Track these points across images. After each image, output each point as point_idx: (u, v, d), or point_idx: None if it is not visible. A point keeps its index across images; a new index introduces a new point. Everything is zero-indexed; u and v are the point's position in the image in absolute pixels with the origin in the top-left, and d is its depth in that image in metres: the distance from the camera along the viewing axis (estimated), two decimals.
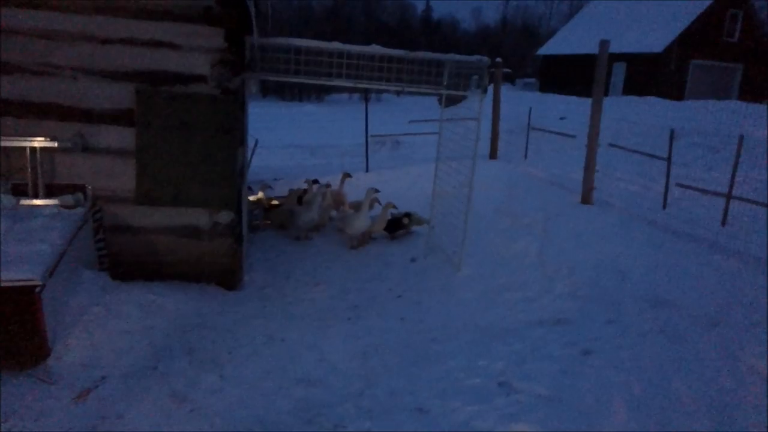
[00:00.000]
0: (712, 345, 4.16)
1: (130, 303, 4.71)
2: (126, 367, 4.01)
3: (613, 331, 4.57)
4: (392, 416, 3.64)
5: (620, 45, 30.75)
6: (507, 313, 5.31)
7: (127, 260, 5.31)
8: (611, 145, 8.34)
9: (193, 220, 5.40)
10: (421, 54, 5.79)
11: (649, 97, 24.26)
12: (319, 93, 35.58)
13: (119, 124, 5.06)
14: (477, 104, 6.22)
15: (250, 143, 9.51)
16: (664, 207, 7.40)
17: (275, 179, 10.10)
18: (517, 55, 53.04)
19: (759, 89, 28.72)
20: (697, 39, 28.80)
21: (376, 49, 5.62)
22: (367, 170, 10.89)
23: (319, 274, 6.37)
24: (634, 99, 24.18)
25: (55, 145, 4.88)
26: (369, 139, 12.90)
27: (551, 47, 36.35)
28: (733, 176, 6.67)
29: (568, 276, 5.89)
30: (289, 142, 15.80)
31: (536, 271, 6.20)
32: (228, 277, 5.59)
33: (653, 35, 29.18)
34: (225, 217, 5.44)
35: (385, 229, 7.66)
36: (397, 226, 7.69)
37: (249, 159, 8.44)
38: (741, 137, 6.80)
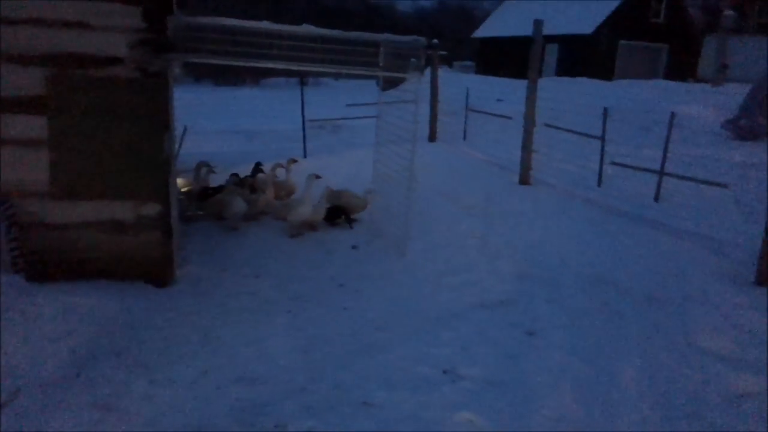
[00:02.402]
0: (650, 321, 4.22)
1: (49, 306, 4.35)
2: (45, 377, 3.69)
3: (555, 310, 4.58)
4: (337, 412, 3.50)
5: (552, 27, 31.34)
6: (451, 297, 5.24)
7: (45, 260, 4.91)
8: (546, 125, 8.41)
9: (116, 214, 5.04)
10: (356, 34, 5.59)
11: (580, 78, 24.85)
12: (256, 77, 34.71)
13: (30, 113, 4.64)
14: (415, 86, 6.09)
15: (179, 130, 9.08)
16: (599, 185, 7.52)
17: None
18: (455, 38, 53.33)
19: (684, 68, 29.93)
20: (625, 20, 29.68)
21: (308, 29, 5.38)
22: (305, 156, 10.63)
23: (258, 265, 6.11)
24: (566, 80, 24.71)
25: None
26: (307, 124, 12.63)
27: (486, 29, 36.70)
28: (665, 153, 6.82)
29: (511, 257, 5.89)
30: (225, 127, 15.30)
31: (479, 253, 6.17)
32: (158, 273, 5.26)
33: (584, 17, 29.87)
34: (151, 209, 5.11)
35: (325, 218, 7.47)
36: (337, 214, 7.50)
37: (178, 147, 8.02)
38: (672, 115, 6.96)
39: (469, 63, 40.37)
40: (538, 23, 7.29)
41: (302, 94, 10.83)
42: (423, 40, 5.77)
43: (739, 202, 5.91)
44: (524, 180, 7.84)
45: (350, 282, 5.77)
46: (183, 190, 7.71)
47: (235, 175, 8.15)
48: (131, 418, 3.43)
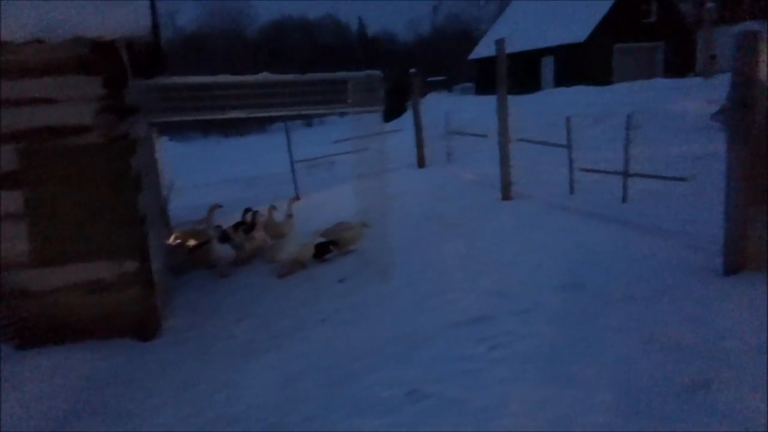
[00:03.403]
0: (617, 321, 4.23)
1: (35, 369, 4.55)
2: None
3: (526, 321, 4.61)
4: None
5: (546, 39, 31.65)
6: (431, 318, 5.29)
7: (32, 326, 5.12)
8: (520, 139, 8.51)
9: (96, 274, 5.26)
10: (310, 76, 5.81)
11: (578, 86, 24.93)
12: (261, 124, 35.47)
13: (7, 188, 4.91)
14: (375, 117, 6.30)
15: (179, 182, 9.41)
16: (572, 192, 7.56)
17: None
18: (455, 62, 53.89)
19: (681, 64, 29.82)
20: (617, 24, 29.80)
21: (265, 77, 5.62)
22: (297, 195, 10.85)
23: (244, 308, 6.27)
24: (561, 90, 24.83)
25: None
26: (303, 163, 12.92)
27: (481, 50, 37.07)
28: (626, 154, 6.87)
29: (491, 272, 5.94)
30: (225, 176, 15.69)
31: (461, 272, 6.23)
32: (142, 328, 5.44)
33: (575, 26, 30.08)
34: (130, 266, 5.31)
35: (314, 254, 7.61)
36: (325, 250, 7.64)
37: (166, 200, 8.30)
38: (629, 116, 7.02)
39: (468, 85, 40.75)
40: (500, 42, 7.46)
41: (288, 137, 11.11)
42: (378, 73, 5.97)
43: (699, 194, 5.91)
44: (506, 195, 7.91)
45: (334, 315, 5.87)
46: (177, 242, 7.96)
47: (249, 209, 8.38)
48: None
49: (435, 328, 5.00)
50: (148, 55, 5.88)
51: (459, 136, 12.87)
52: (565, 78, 29.37)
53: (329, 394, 4.18)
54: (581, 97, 20.01)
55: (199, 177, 15.99)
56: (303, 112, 5.93)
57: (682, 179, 6.35)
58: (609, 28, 29.64)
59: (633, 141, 9.22)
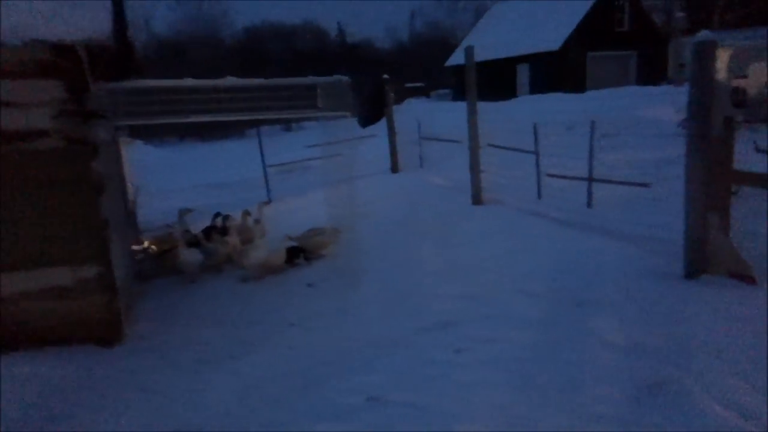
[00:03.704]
0: (581, 325, 4.26)
1: None
2: None
3: (492, 326, 4.62)
4: None
5: (521, 47, 31.99)
6: (398, 324, 5.28)
7: None
8: (490, 145, 8.57)
9: (57, 280, 5.13)
10: (278, 81, 5.78)
11: (553, 93, 25.25)
12: (239, 129, 35.18)
13: None
14: (351, 123, 6.27)
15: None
16: (540, 197, 7.63)
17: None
18: (434, 68, 54.15)
19: (654, 72, 30.35)
20: (591, 32, 30.25)
21: (231, 81, 5.57)
22: (269, 200, 10.76)
23: (211, 314, 6.18)
24: (538, 97, 25.11)
25: None
26: (277, 168, 12.84)
27: (457, 57, 37.30)
28: (590, 160, 6.95)
29: (459, 277, 5.96)
30: (200, 181, 15.52)
31: (430, 277, 6.24)
32: (104, 334, 5.32)
33: (550, 34, 30.46)
34: (90, 271, 5.21)
35: (286, 258, 7.56)
36: (296, 254, 7.60)
37: (135, 204, 8.18)
38: (593, 123, 7.11)
39: (445, 91, 40.96)
40: (468, 50, 7.51)
41: (260, 141, 11.01)
42: (346, 78, 5.96)
43: (665, 200, 6.00)
44: (477, 200, 7.95)
45: (302, 321, 5.81)
46: (145, 247, 7.84)
47: (219, 214, 8.33)
48: None
49: (401, 334, 4.98)
50: (114, 58, 5.78)
51: (435, 142, 12.93)
52: (540, 85, 29.73)
53: (290, 401, 4.13)
54: (555, 104, 20.25)
55: (173, 181, 15.77)
56: (271, 117, 5.89)
57: (644, 185, 6.43)
58: (583, 37, 30.07)
59: (605, 147, 9.35)
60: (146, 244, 7.88)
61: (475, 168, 7.79)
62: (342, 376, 4.32)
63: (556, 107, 18.37)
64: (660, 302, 4.36)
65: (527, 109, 19.13)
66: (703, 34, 4.26)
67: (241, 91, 5.53)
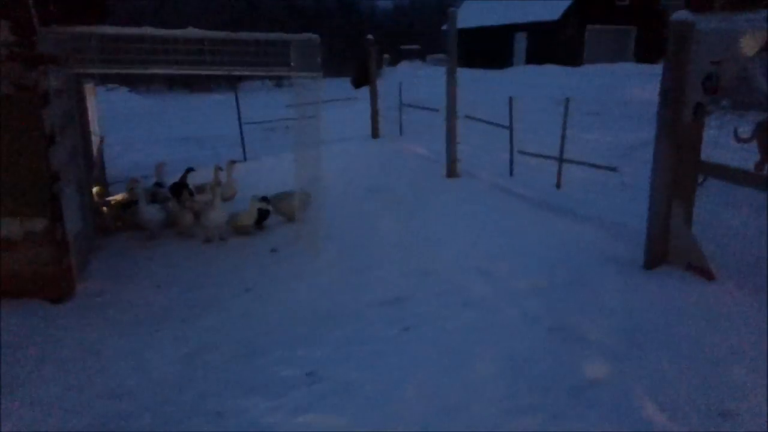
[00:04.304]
0: (530, 309, 4.17)
1: None
2: None
3: (443, 303, 4.53)
4: (186, 424, 3.44)
5: (520, 15, 31.32)
6: (353, 296, 5.18)
7: None
8: (467, 116, 8.35)
9: (3, 232, 4.96)
10: (246, 35, 5.51)
11: (548, 65, 24.82)
12: (231, 81, 34.51)
13: None
14: (315, 84, 6.07)
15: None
16: (511, 174, 7.48)
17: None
18: (433, 32, 53.07)
19: (653, 50, 29.88)
20: (591, 5, 29.62)
21: (192, 32, 5.30)
22: (245, 159, 10.55)
23: (165, 275, 6.03)
24: (533, 68, 24.70)
25: None
26: (258, 126, 12.61)
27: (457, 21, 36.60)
28: (562, 140, 6.79)
29: (420, 252, 5.85)
30: (180, 134, 15.22)
31: (392, 250, 6.13)
32: (51, 289, 5.17)
33: (550, 4, 29.79)
34: (38, 224, 5.03)
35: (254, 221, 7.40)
36: (263, 217, 7.44)
37: (97, 157, 7.94)
38: (567, 100, 6.92)
39: (441, 56, 40.21)
40: (452, 13, 7.22)
41: (237, 98, 10.73)
42: (316, 37, 5.70)
43: (631, 185, 5.88)
44: (451, 173, 7.79)
45: (258, 287, 5.70)
46: (107, 201, 7.64)
47: (191, 169, 8.14)
48: None
49: (354, 307, 4.89)
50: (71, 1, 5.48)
51: (421, 109, 12.67)
52: (536, 56, 29.23)
53: (230, 370, 4.04)
54: (548, 76, 19.92)
55: (152, 132, 15.50)
56: (237, 73, 5.64)
57: (612, 169, 6.30)
58: (583, 8, 29.46)
59: (587, 126, 9.18)
60: (108, 197, 7.67)
61: (451, 140, 7.60)
62: (286, 348, 4.23)
63: (548, 80, 18.07)
64: (614, 291, 4.28)
65: (518, 79, 18.83)
66: (680, 14, 4.06)
67: (206, 43, 5.25)
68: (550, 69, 23.07)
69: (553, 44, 29.25)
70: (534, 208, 6.15)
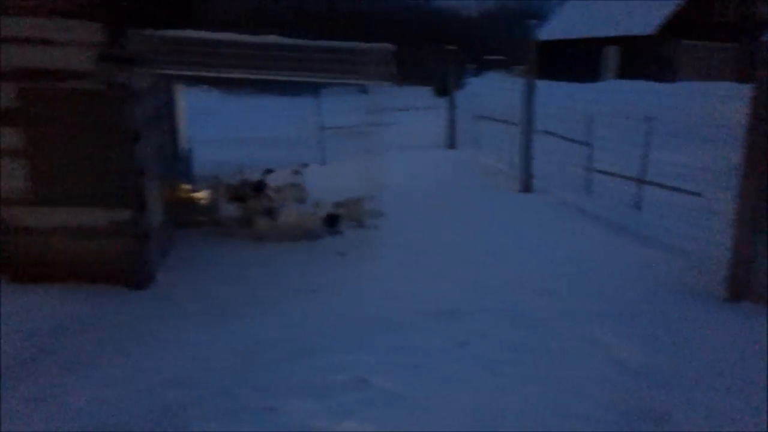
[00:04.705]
0: (583, 335, 4.02)
1: (13, 305, 4.65)
2: None
3: (495, 321, 4.44)
4: (240, 416, 3.54)
5: (612, 28, 30.28)
6: (407, 304, 5.17)
7: (24, 262, 5.25)
8: (545, 132, 8.14)
9: (89, 220, 5.32)
10: (322, 43, 5.65)
11: (639, 81, 23.84)
12: (315, 86, 35.44)
13: (6, 124, 4.98)
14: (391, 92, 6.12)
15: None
16: (587, 193, 7.22)
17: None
18: (519, 42, 52.18)
19: (751, 69, 28.06)
20: (688, 20, 28.21)
21: (272, 39, 5.49)
22: (323, 162, 10.78)
23: (236, 271, 6.25)
24: (623, 83, 23.77)
25: None
26: (335, 131, 12.87)
27: (544, 32, 35.83)
28: (644, 160, 6.46)
29: (479, 266, 5.78)
30: (264, 136, 15.76)
31: (451, 262, 6.09)
32: (132, 278, 5.49)
33: (644, 17, 28.64)
34: (122, 215, 5.35)
35: (326, 223, 7.53)
36: (335, 220, 7.55)
37: (188, 153, 8.38)
38: (648, 119, 6.58)
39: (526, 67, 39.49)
40: (532, 27, 7.10)
41: (318, 102, 10.97)
42: (390, 46, 5.75)
43: (710, 211, 5.50)
44: (525, 187, 7.63)
45: (321, 288, 5.80)
46: (191, 197, 8.02)
47: (270, 170, 8.47)
48: (59, 411, 3.61)
49: (406, 315, 4.89)
50: (157, 6, 5.79)
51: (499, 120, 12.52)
52: (627, 70, 28.17)
53: (284, 368, 4.13)
54: (638, 92, 19.09)
55: (239, 134, 16.13)
56: (313, 80, 5.78)
57: (696, 194, 5.93)
58: (680, 23, 28.10)
59: (675, 146, 8.73)
60: (192, 193, 8.05)
61: (526, 153, 7.45)
62: (338, 352, 4.28)
63: (638, 96, 17.32)
64: (686, 324, 4.03)
65: (606, 94, 18.16)
66: None
67: (283, 49, 5.43)
68: (641, 85, 22.11)
69: (645, 59, 28.08)
70: (608, 229, 5.92)
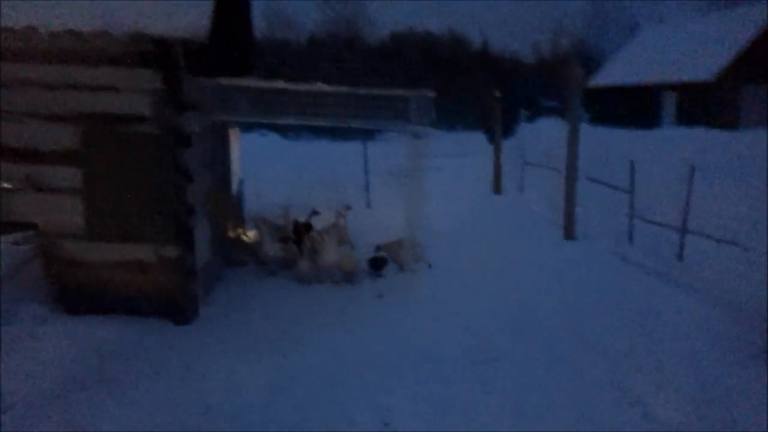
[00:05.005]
0: (615, 382, 3.91)
1: (63, 334, 4.92)
2: (36, 396, 4.16)
3: (527, 365, 4.38)
4: None
5: (670, 74, 29.80)
6: (442, 347, 5.17)
7: (78, 294, 5.54)
8: (589, 178, 8.06)
9: (139, 255, 5.59)
10: (366, 90, 5.86)
11: (699, 128, 23.24)
12: (366, 132, 36.17)
13: (67, 164, 5.36)
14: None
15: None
16: (631, 241, 7.06)
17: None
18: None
19: None
20: (750, 64, 27.48)
21: (320, 87, 5.75)
22: (368, 205, 10.96)
23: (276, 308, 6.38)
24: (680, 130, 23.22)
25: (9, 186, 5.24)
26: (383, 173, 13.09)
27: (599, 78, 35.62)
28: (686, 210, 6.30)
29: (520, 310, 5.73)
30: (315, 178, 16.17)
31: (493, 305, 6.05)
32: (176, 311, 5.69)
33: (704, 62, 28.09)
34: (171, 251, 5.60)
35: (370, 266, 7.61)
36: (380, 264, 7.61)
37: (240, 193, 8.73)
38: (692, 168, 6.43)
39: (582, 114, 39.23)
40: (576, 71, 7.15)
41: (365, 147, 11.24)
42: (431, 92, 5.91)
43: (756, 264, 5.26)
44: (568, 234, 7.54)
45: (358, 329, 5.85)
46: (238, 235, 8.29)
47: (316, 212, 8.71)
48: None
49: (438, 359, 4.90)
50: (213, 55, 6.13)
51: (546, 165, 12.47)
52: (686, 117, 27.51)
53: (312, 406, 4.20)
54: (696, 140, 18.63)
55: (292, 176, 16.61)
56: (356, 125, 5.99)
57: (740, 245, 5.72)
58: (741, 68, 27.38)
59: (729, 196, 8.47)
60: (240, 232, 8.33)
61: (569, 200, 7.39)
62: (367, 392, 4.33)
63: (695, 144, 16.91)
64: (724, 379, 3.87)
65: (661, 142, 17.81)
66: None
67: (329, 97, 5.66)
68: (699, 132, 21.56)
69: (705, 105, 27.40)
70: (648, 277, 5.79)
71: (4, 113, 5.22)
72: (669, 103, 30.26)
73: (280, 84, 5.67)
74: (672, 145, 17.61)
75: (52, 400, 4.13)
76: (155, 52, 5.14)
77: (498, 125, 10.84)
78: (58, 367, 4.52)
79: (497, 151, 10.88)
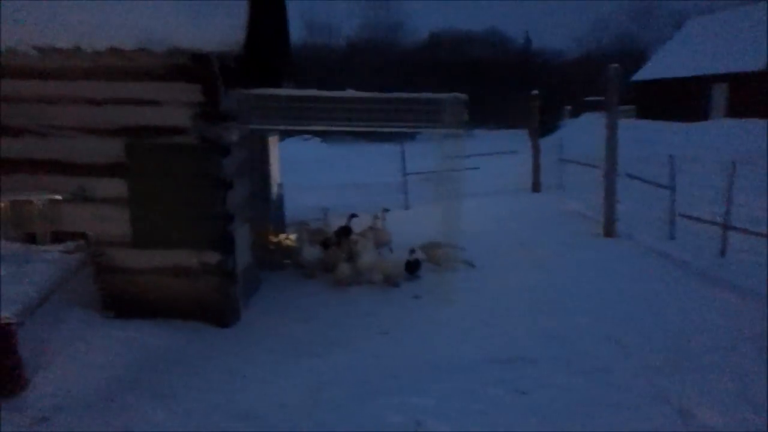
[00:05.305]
0: (652, 388, 3.86)
1: (112, 339, 5.14)
2: (86, 399, 4.37)
3: (558, 370, 4.36)
4: None
5: (719, 65, 28.79)
6: (474, 349, 5.19)
7: (124, 299, 5.79)
8: (628, 175, 7.89)
9: (182, 261, 5.80)
10: (396, 95, 5.92)
11: (751, 119, 22.38)
12: (403, 134, 36.27)
13: (114, 176, 5.62)
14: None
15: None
16: (672, 238, 6.89)
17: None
18: (621, 82, 50.55)
19: None
20: None
21: (349, 93, 5.84)
22: (407, 207, 11.01)
23: (314, 311, 6.51)
24: (729, 122, 22.43)
25: (60, 198, 5.52)
26: (419, 176, 13.11)
27: (646, 72, 34.71)
28: (728, 206, 6.11)
29: (553, 313, 5.69)
30: (354, 181, 16.33)
31: (523, 307, 6.04)
32: (217, 315, 5.89)
33: (754, 52, 27.03)
34: (212, 257, 5.80)
35: (406, 269, 7.66)
36: (416, 266, 7.64)
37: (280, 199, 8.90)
38: (733, 164, 6.22)
39: (628, 107, 38.24)
40: (613, 69, 7.05)
41: (402, 150, 11.30)
42: (462, 96, 5.93)
43: None
44: (608, 232, 7.42)
45: (392, 330, 5.92)
46: (278, 240, 8.47)
47: (354, 215, 8.83)
48: None
49: (472, 360, 4.92)
50: (248, 67, 6.30)
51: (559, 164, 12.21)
52: (737, 108, 26.53)
53: (347, 408, 4.28)
54: (746, 132, 18.00)
55: (332, 180, 16.83)
56: (388, 129, 6.05)
57: None
58: None
59: None
60: (279, 237, 8.50)
61: (609, 197, 7.28)
62: (401, 394, 4.38)
63: (745, 136, 16.33)
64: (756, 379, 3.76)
65: (708, 135, 17.28)
66: None
67: (360, 102, 5.76)
68: (750, 124, 20.78)
69: (757, 96, 26.35)
70: (689, 275, 5.65)
71: (55, 129, 5.50)
72: (719, 95, 29.24)
73: (312, 92, 5.80)
74: (720, 137, 17.07)
75: (105, 403, 4.33)
76: (193, 66, 5.34)
77: (535, 123, 10.73)
78: (106, 369, 4.74)
79: (535, 149, 10.77)
